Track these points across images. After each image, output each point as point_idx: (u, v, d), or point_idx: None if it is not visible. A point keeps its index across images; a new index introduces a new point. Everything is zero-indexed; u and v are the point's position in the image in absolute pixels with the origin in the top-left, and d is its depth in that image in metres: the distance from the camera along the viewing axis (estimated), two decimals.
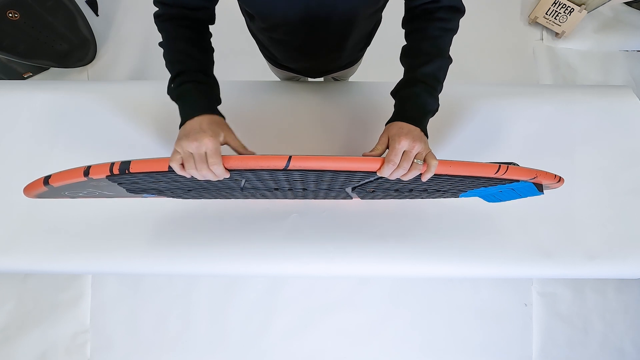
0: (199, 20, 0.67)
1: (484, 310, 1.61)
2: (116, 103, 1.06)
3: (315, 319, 1.59)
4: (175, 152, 0.56)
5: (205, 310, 1.59)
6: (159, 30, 0.66)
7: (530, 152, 1.04)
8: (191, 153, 0.55)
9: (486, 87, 1.10)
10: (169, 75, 0.65)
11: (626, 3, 1.81)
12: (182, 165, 0.56)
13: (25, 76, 1.68)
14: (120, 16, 1.79)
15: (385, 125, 0.63)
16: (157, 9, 0.66)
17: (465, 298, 1.61)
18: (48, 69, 1.71)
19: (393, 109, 0.65)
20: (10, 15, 1.46)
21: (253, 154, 0.60)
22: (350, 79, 1.20)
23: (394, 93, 0.67)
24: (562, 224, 1.02)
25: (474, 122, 1.05)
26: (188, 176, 0.57)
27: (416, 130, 0.58)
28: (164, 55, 0.65)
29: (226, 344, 1.59)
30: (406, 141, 0.55)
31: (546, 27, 1.80)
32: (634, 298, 1.63)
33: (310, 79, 1.12)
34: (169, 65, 0.64)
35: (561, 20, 1.73)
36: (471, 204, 1.03)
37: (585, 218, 1.02)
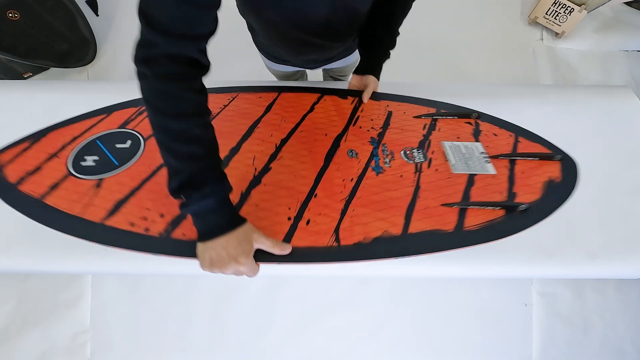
0: (205, 68, 0.54)
1: (484, 310, 1.61)
2: (116, 103, 1.06)
3: (315, 319, 1.59)
4: (206, 261, 0.57)
5: (205, 310, 1.59)
6: (155, 93, 0.49)
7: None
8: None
9: (486, 87, 1.10)
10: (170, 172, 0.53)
11: (626, 3, 1.81)
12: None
13: (25, 76, 1.68)
14: (120, 16, 1.79)
15: (359, 73, 0.91)
16: (150, 56, 0.47)
17: (465, 298, 1.61)
18: (48, 69, 1.71)
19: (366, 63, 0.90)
20: (10, 15, 1.46)
21: (288, 247, 0.62)
22: (349, 77, 1.21)
23: (368, 51, 0.90)
24: (562, 224, 1.02)
25: None
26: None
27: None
28: (162, 133, 0.51)
29: (226, 343, 1.59)
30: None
31: (546, 27, 1.80)
32: (634, 298, 1.62)
33: (308, 71, 1.12)
34: (184, 154, 0.51)
35: (561, 20, 1.73)
36: None
37: (585, 218, 1.02)
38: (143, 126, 0.81)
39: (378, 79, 0.93)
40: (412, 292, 1.61)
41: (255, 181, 0.73)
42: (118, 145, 0.78)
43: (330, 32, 0.77)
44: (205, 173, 0.53)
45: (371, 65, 0.91)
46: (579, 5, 1.68)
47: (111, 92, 1.08)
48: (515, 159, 0.79)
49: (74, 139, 0.79)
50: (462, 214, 0.73)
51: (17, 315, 1.59)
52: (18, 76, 1.66)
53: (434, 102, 0.91)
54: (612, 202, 1.03)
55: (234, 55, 1.60)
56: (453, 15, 1.80)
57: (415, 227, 0.70)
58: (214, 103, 0.83)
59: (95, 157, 0.76)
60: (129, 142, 0.79)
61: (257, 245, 0.59)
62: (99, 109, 0.84)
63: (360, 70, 0.92)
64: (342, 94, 0.91)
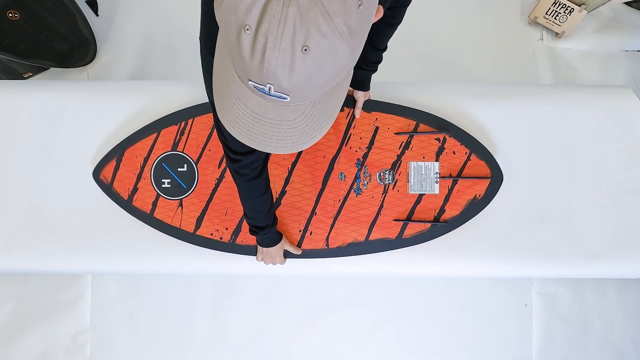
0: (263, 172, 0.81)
1: (484, 310, 1.61)
2: (116, 103, 1.06)
3: (315, 319, 1.59)
4: (259, 256, 1.00)
5: (205, 310, 1.59)
6: (245, 186, 0.81)
7: (530, 152, 1.04)
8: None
9: (486, 87, 1.10)
10: (252, 218, 0.90)
11: (626, 3, 1.81)
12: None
13: (25, 76, 1.68)
14: (120, 16, 1.79)
15: (354, 86, 0.97)
16: (240, 168, 0.76)
17: (465, 298, 1.61)
18: (48, 69, 1.71)
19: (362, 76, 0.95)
20: (10, 15, 1.46)
21: (299, 250, 1.02)
22: None
23: (355, 67, 0.95)
24: (562, 224, 1.02)
25: (474, 122, 1.05)
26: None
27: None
28: (251, 206, 0.87)
29: (226, 343, 1.58)
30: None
31: (546, 27, 1.80)
32: (634, 298, 1.62)
33: None
34: (255, 217, 0.89)
35: (561, 20, 1.73)
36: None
37: (585, 218, 1.02)
38: (189, 148, 1.04)
39: (369, 90, 0.98)
40: (412, 292, 1.61)
41: (278, 202, 1.03)
42: (180, 169, 1.03)
43: None
44: (265, 222, 0.89)
45: (359, 80, 0.95)
46: (579, 5, 1.68)
47: (111, 92, 1.09)
48: (457, 179, 1.02)
49: (145, 159, 1.03)
50: (404, 226, 1.01)
51: (17, 315, 1.59)
52: (18, 76, 1.66)
53: (417, 113, 1.03)
54: (612, 202, 1.03)
55: None
56: (452, 15, 1.80)
57: (373, 236, 1.01)
58: None
59: (169, 180, 1.03)
60: (185, 166, 1.04)
61: (286, 247, 0.99)
62: (149, 125, 1.03)
63: (351, 84, 0.95)
64: None
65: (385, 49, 0.88)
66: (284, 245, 0.98)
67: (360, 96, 0.99)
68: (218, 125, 0.66)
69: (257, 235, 0.92)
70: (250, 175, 0.77)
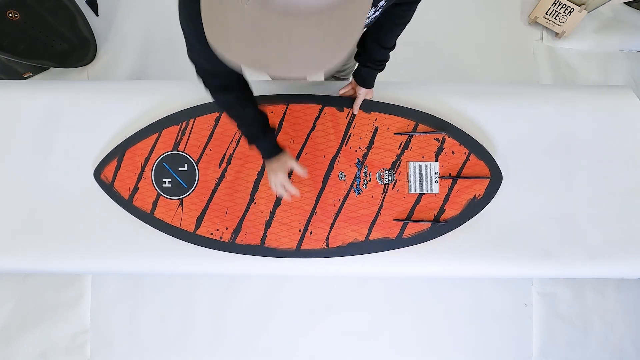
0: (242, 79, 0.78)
1: (484, 310, 1.61)
2: (116, 103, 1.06)
3: (315, 319, 1.59)
4: (270, 178, 0.93)
5: (205, 310, 1.59)
6: (218, 103, 0.80)
7: (530, 152, 1.04)
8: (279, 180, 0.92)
9: (486, 87, 1.10)
10: (242, 128, 0.87)
11: (626, 3, 1.81)
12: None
13: (25, 76, 1.68)
14: (120, 16, 1.79)
15: (357, 82, 0.96)
16: (207, 81, 0.73)
17: (465, 298, 1.61)
18: (48, 69, 1.71)
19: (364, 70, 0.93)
20: (10, 15, 1.46)
21: (306, 173, 0.94)
22: (351, 77, 1.20)
23: (361, 64, 0.93)
24: (562, 224, 1.02)
25: (474, 122, 1.05)
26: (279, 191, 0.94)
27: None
28: (233, 119, 0.84)
29: (226, 343, 1.58)
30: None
31: (546, 27, 1.80)
32: (634, 298, 1.62)
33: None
34: (244, 128, 0.86)
35: (561, 20, 1.73)
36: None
37: (585, 218, 1.02)
38: (190, 148, 1.04)
39: (372, 87, 0.97)
40: (412, 292, 1.61)
41: (278, 202, 1.02)
42: (180, 169, 1.03)
43: None
44: (255, 128, 0.85)
45: (363, 77, 0.94)
46: (579, 5, 1.68)
47: (111, 92, 1.08)
48: (457, 179, 1.02)
49: (146, 159, 1.03)
50: (404, 226, 1.01)
51: (17, 315, 1.59)
52: (18, 76, 1.66)
53: (416, 113, 1.03)
54: (612, 202, 1.03)
55: None
56: (453, 15, 1.80)
57: (373, 235, 1.01)
58: None
59: (170, 180, 1.03)
60: (186, 166, 1.03)
61: (290, 164, 0.91)
62: (151, 125, 1.04)
63: (355, 78, 0.95)
64: (340, 105, 1.03)
65: (392, 47, 0.87)
66: (288, 161, 0.91)
67: (362, 93, 0.97)
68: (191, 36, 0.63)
69: (254, 144, 0.88)
70: (216, 85, 0.74)
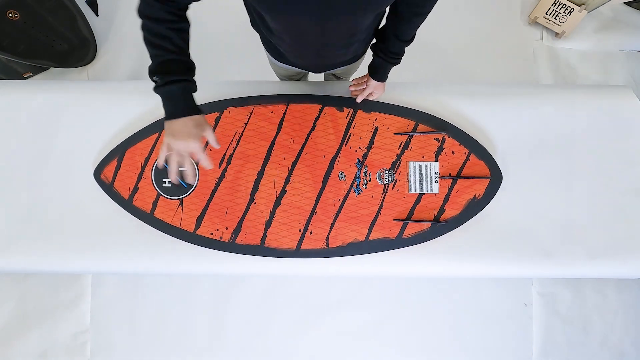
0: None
1: (484, 310, 1.61)
2: (116, 103, 1.06)
3: (315, 319, 1.59)
4: (164, 143, 0.69)
5: (205, 310, 1.59)
6: (143, 28, 0.68)
7: (530, 152, 1.04)
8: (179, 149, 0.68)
9: (486, 87, 1.10)
10: (150, 58, 0.69)
11: (626, 3, 1.81)
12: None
13: (25, 76, 1.68)
14: (120, 16, 1.79)
15: (369, 72, 0.92)
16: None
17: (466, 298, 1.61)
18: (48, 69, 1.71)
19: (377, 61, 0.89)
20: (10, 15, 1.46)
21: (212, 165, 0.75)
22: (352, 77, 1.20)
23: (375, 55, 0.88)
24: (562, 223, 1.02)
25: (474, 122, 1.05)
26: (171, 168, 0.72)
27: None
28: (145, 36, 0.68)
29: (226, 343, 1.59)
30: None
31: (546, 27, 1.80)
32: (634, 298, 1.63)
33: (312, 74, 1.11)
34: (151, 49, 0.68)
35: (561, 20, 1.73)
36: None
37: (585, 218, 1.02)
38: None
39: (384, 81, 0.93)
40: (412, 292, 1.61)
41: (278, 202, 1.01)
42: (180, 169, 0.97)
43: (323, 33, 0.74)
44: (173, 65, 0.67)
45: (376, 66, 0.91)
46: (579, 5, 1.68)
47: (111, 92, 1.08)
48: (457, 179, 1.02)
49: (146, 159, 1.02)
50: (404, 226, 1.01)
51: (17, 315, 1.59)
52: (18, 76, 1.66)
53: (416, 113, 1.03)
54: (612, 202, 1.03)
55: (237, 53, 1.61)
56: (453, 15, 1.80)
57: (373, 235, 1.01)
58: (235, 119, 1.02)
59: (170, 180, 0.98)
60: (186, 166, 0.92)
61: (206, 135, 0.71)
62: (151, 125, 1.03)
63: (369, 69, 0.93)
64: (340, 105, 1.03)
65: (409, 40, 0.83)
66: (205, 127, 0.71)
67: (371, 85, 0.93)
68: None
69: (160, 88, 0.68)
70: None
